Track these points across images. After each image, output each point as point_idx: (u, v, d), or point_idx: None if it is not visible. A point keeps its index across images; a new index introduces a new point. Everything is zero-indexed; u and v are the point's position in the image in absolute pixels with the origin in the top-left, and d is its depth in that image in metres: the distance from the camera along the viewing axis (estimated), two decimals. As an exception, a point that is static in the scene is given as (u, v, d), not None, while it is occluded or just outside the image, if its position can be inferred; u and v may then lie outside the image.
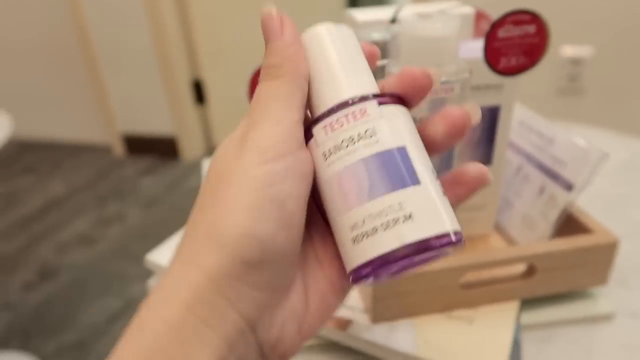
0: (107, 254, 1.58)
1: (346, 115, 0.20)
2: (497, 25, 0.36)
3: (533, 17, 0.37)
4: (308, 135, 0.22)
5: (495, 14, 0.38)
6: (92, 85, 2.12)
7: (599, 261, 0.40)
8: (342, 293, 0.23)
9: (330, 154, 0.20)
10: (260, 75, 0.22)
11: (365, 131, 0.20)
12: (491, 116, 0.41)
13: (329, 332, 0.39)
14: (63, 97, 2.24)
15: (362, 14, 0.42)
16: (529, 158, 0.45)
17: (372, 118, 0.20)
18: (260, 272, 0.19)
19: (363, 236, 0.19)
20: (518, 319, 0.39)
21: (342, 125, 0.20)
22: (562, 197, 0.41)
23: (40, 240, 1.68)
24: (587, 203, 0.47)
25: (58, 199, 1.91)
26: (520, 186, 0.45)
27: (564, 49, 1.49)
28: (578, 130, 0.76)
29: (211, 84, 2.04)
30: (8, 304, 1.39)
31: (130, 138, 2.18)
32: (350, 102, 0.21)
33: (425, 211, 0.19)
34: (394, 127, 0.20)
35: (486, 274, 0.40)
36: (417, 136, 0.21)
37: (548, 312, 0.41)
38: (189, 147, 2.10)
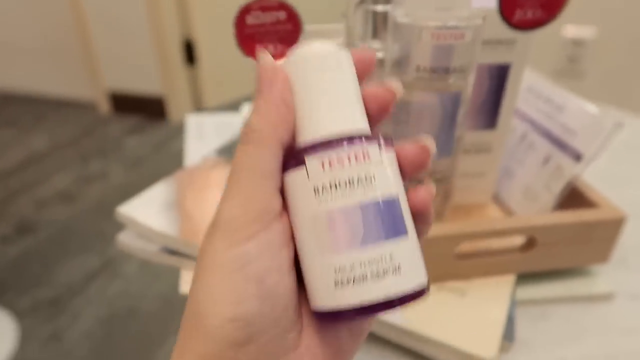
0: (87, 212, 1.54)
1: (348, 155, 0.19)
2: (515, -29, 0.33)
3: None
4: (293, 160, 0.20)
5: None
6: (79, 38, 2.03)
7: (603, 238, 0.38)
8: (359, 335, 0.22)
9: (324, 191, 0.19)
10: (240, 136, 0.20)
11: (366, 176, 0.19)
12: (499, 76, 0.38)
13: (311, 297, 0.36)
14: (49, 50, 2.16)
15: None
16: (535, 125, 0.42)
17: (374, 163, 0.20)
18: (254, 346, 0.18)
19: (349, 281, 0.19)
20: (513, 294, 0.37)
21: (342, 165, 0.19)
22: (569, 168, 0.38)
23: (19, 194, 1.63)
24: (589, 182, 0.44)
25: (39, 154, 1.86)
26: (524, 155, 0.42)
27: (566, 29, 1.45)
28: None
29: (203, 44, 1.97)
30: (-17, 257, 1.35)
31: (116, 96, 2.12)
32: (353, 141, 0.19)
33: (411, 264, 0.19)
34: (391, 175, 0.20)
35: (482, 244, 0.38)
36: (401, 180, 0.21)
37: (544, 288, 0.39)
38: (177, 108, 2.05)
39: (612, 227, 0.37)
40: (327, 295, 0.19)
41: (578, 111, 0.39)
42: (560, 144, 0.39)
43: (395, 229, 0.19)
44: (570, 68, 1.52)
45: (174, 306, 1.19)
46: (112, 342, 1.11)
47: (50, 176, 1.72)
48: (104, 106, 2.15)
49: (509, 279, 0.38)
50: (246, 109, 0.64)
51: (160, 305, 1.20)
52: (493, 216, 0.43)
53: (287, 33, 0.35)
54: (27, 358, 1.07)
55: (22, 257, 1.35)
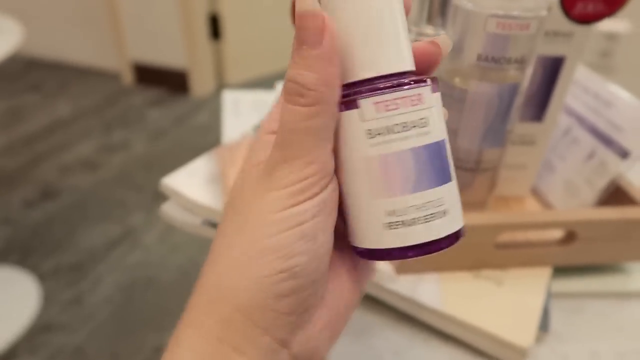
0: (109, 180, 1.56)
1: (403, 98, 0.19)
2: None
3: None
4: (344, 99, 0.19)
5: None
6: (106, 7, 2.04)
7: (643, 236, 0.38)
8: (359, 291, 0.23)
9: (378, 134, 0.19)
10: (287, 90, 0.19)
11: (420, 119, 0.19)
12: (553, 68, 0.37)
13: (351, 277, 0.37)
14: (75, 17, 2.16)
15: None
16: (581, 120, 0.42)
17: (427, 107, 0.19)
18: (293, 300, 0.19)
19: (400, 224, 0.19)
20: (549, 286, 0.37)
21: (397, 108, 0.19)
22: (614, 164, 0.38)
23: (44, 159, 1.66)
24: (629, 179, 0.44)
25: (63, 121, 1.88)
26: (567, 149, 0.42)
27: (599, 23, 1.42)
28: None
29: (229, 19, 1.96)
30: (8, 219, 1.39)
31: (140, 67, 2.12)
32: (408, 84, 0.19)
33: (454, 208, 0.20)
34: (441, 118, 0.20)
35: (521, 236, 0.38)
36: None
37: (581, 282, 0.39)
38: (200, 82, 2.05)
39: (654, 226, 0.37)
40: (376, 236, 0.20)
41: (627, 107, 0.39)
42: (606, 140, 0.39)
43: (443, 175, 0.20)
44: (603, 62, 1.49)
45: (191, 278, 1.22)
46: (131, 309, 1.13)
47: (74, 143, 1.74)
48: (128, 76, 2.16)
49: (545, 271, 0.38)
50: (280, 87, 0.65)
51: (178, 277, 1.22)
52: (532, 209, 0.44)
53: None
54: (49, 320, 1.10)
55: (46, 221, 1.38)
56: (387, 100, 0.19)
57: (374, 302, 0.37)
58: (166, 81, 2.11)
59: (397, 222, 0.19)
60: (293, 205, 0.19)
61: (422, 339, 0.36)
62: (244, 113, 0.61)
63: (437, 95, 0.20)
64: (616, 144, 0.38)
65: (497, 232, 0.36)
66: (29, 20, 2.17)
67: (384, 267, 0.37)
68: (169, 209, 0.43)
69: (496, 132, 0.33)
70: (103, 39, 2.16)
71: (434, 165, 0.19)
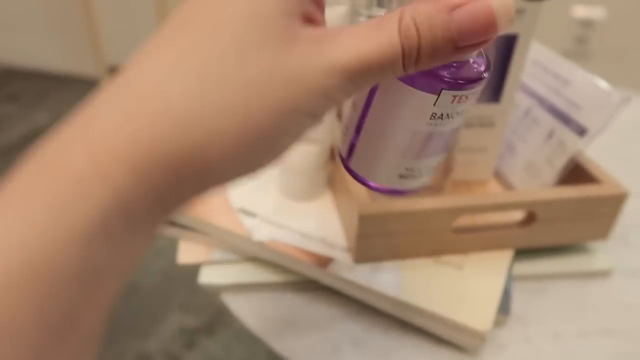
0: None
1: (473, 94, 0.21)
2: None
3: None
4: (425, 81, 0.20)
5: None
6: (82, 14, 2.01)
7: (604, 214, 0.37)
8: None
9: (439, 118, 0.21)
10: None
11: (466, 110, 0.22)
12: (506, 47, 0.37)
13: (307, 268, 0.36)
14: (50, 25, 2.14)
15: None
16: (540, 100, 0.41)
17: (472, 102, 0.21)
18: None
19: (409, 176, 0.24)
20: (511, 268, 0.37)
21: (465, 101, 0.21)
22: (573, 143, 0.37)
23: (22, 169, 1.63)
24: (595, 160, 0.43)
25: (42, 130, 1.85)
26: (527, 130, 0.42)
27: (574, 9, 1.43)
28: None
29: (206, 20, 1.95)
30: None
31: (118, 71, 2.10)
32: (480, 83, 0.21)
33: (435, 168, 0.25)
34: None
35: (481, 219, 0.37)
36: None
37: (542, 263, 0.38)
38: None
39: (614, 203, 0.37)
40: (391, 180, 0.24)
41: (585, 85, 0.38)
42: (565, 119, 0.39)
43: (448, 146, 0.24)
44: (579, 49, 1.49)
45: (175, 282, 1.20)
46: (113, 316, 1.12)
47: (53, 152, 1.72)
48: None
49: (507, 254, 0.37)
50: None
51: (160, 280, 1.21)
52: (494, 191, 0.43)
53: None
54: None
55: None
56: (461, 96, 0.20)
57: (333, 293, 0.36)
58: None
59: (409, 174, 0.24)
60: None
61: (382, 328, 0.35)
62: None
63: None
64: (574, 122, 0.38)
65: (454, 216, 0.35)
66: (4, 29, 2.14)
67: (342, 257, 0.36)
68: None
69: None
70: (80, 45, 2.14)
71: (448, 142, 0.23)
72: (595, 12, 1.43)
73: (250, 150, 0.17)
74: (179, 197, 0.17)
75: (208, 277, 0.38)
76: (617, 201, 0.37)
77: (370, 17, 0.37)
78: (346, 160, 0.25)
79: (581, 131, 0.37)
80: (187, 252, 0.39)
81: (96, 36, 2.03)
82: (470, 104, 0.21)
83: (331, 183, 0.43)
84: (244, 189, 0.43)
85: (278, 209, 0.41)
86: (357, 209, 0.34)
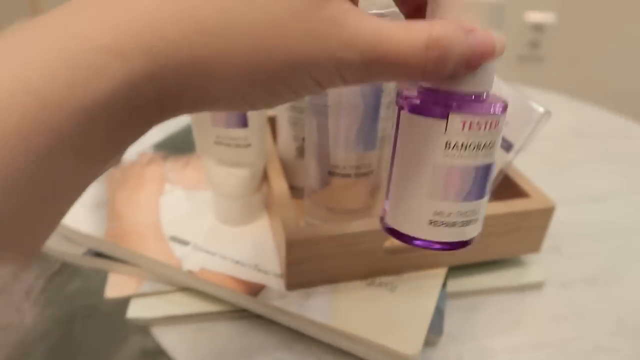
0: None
1: (486, 122, 0.21)
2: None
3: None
4: (434, 108, 0.21)
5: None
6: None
7: (533, 227, 0.38)
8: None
9: (454, 148, 0.21)
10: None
11: (490, 142, 0.21)
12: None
13: (237, 297, 0.35)
14: None
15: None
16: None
17: (498, 132, 0.22)
18: None
19: (442, 224, 0.22)
20: (444, 286, 0.37)
21: (479, 129, 0.21)
22: (500, 157, 0.38)
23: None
24: (531, 167, 0.44)
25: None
26: (459, 145, 0.42)
27: (526, 15, 1.47)
28: (531, 93, 0.73)
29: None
30: None
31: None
32: (495, 109, 0.21)
33: (483, 216, 0.24)
34: (500, 141, 0.22)
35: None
36: None
37: (477, 279, 0.39)
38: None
39: (542, 216, 0.37)
40: (419, 228, 0.23)
41: (510, 100, 0.38)
42: (492, 134, 0.39)
43: (485, 190, 0.23)
44: (532, 53, 1.53)
45: None
46: (71, 343, 1.08)
47: None
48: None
49: (440, 272, 0.37)
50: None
51: (119, 302, 1.17)
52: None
53: None
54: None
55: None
56: (472, 122, 0.20)
57: (268, 321, 0.36)
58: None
59: (441, 221, 0.22)
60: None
61: (315, 356, 0.34)
62: (150, 131, 0.59)
63: (504, 118, 0.22)
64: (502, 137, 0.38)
65: (384, 238, 0.35)
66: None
67: (275, 283, 0.36)
68: (49, 242, 0.40)
69: (368, 134, 0.32)
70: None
71: (483, 182, 0.22)
72: (546, 17, 1.47)
73: (249, 83, 0.17)
74: (173, 107, 0.18)
75: (136, 310, 0.36)
76: (545, 214, 0.37)
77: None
78: (383, 217, 0.24)
79: (508, 146, 0.37)
80: (116, 286, 0.38)
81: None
82: (488, 135, 0.21)
83: (268, 206, 0.42)
84: (177, 215, 0.42)
85: (212, 235, 0.40)
86: (285, 234, 0.33)
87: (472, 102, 0.20)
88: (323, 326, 0.33)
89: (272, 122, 0.46)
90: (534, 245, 0.39)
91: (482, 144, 0.21)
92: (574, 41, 1.47)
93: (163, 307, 0.36)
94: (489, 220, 0.36)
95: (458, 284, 0.38)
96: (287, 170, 0.42)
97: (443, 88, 0.21)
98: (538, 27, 1.49)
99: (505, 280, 0.39)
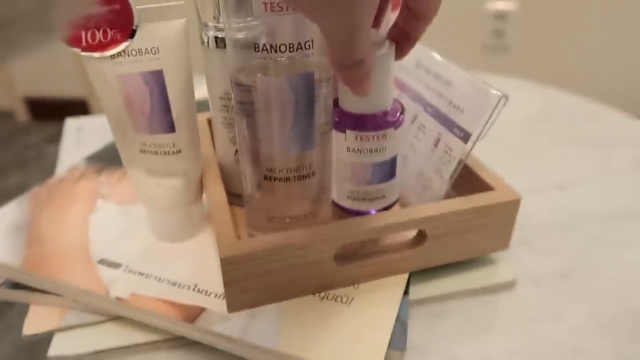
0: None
1: (374, 135, 0.30)
2: None
3: None
4: (337, 125, 0.31)
5: None
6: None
7: (499, 222, 0.34)
8: None
9: (353, 150, 0.31)
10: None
11: (381, 147, 0.31)
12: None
13: (172, 324, 0.31)
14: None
15: None
16: (425, 105, 0.38)
17: (389, 139, 0.31)
18: None
19: (355, 198, 0.33)
20: (406, 294, 0.33)
21: (368, 140, 0.30)
22: (458, 149, 0.34)
23: None
24: (494, 155, 0.41)
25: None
26: (415, 138, 0.39)
27: (489, 3, 1.45)
28: (495, 81, 0.70)
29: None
30: None
31: (35, 102, 1.97)
32: (381, 127, 0.30)
33: (393, 192, 0.34)
34: (397, 142, 0.32)
35: (367, 243, 0.34)
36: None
37: (443, 282, 0.35)
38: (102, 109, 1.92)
39: (508, 210, 0.34)
40: (343, 199, 0.34)
41: (463, 84, 0.35)
42: (448, 123, 0.35)
43: (389, 175, 0.33)
44: (497, 42, 1.52)
45: (32, 355, 1.10)
46: (34, 371, 1.01)
47: (-39, 195, 1.57)
48: (22, 114, 1.99)
49: (401, 279, 0.34)
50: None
51: (41, 339, 1.11)
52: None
53: (116, 16, 0.30)
54: None
55: None
56: (365, 135, 0.30)
57: (207, 349, 0.32)
58: (65, 113, 1.95)
59: (353, 197, 0.33)
60: None
61: (264, 384, 0.30)
62: (86, 142, 0.54)
63: (400, 129, 0.31)
64: (457, 126, 0.35)
65: (332, 246, 0.31)
66: None
67: (216, 305, 0.32)
68: (-42, 275, 0.36)
69: (303, 132, 0.28)
70: (-13, 77, 1.98)
71: (383, 171, 0.32)
72: (508, 5, 1.46)
73: None
74: None
75: (60, 347, 0.32)
76: (511, 208, 0.34)
77: (218, 28, 0.33)
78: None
79: (465, 136, 0.34)
80: (35, 319, 0.33)
81: (4, 68, 1.89)
82: (377, 143, 0.30)
83: (209, 218, 0.38)
84: (109, 234, 0.37)
85: (146, 255, 0.36)
86: (219, 250, 0.29)
87: (364, 121, 0.30)
88: (270, 351, 0.29)
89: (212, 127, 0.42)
90: (502, 241, 0.36)
91: (374, 149, 0.31)
92: (538, 28, 1.46)
93: (91, 340, 0.32)
94: (450, 217, 0.33)
95: (421, 290, 0.34)
96: (228, 176, 0.38)
97: (344, 108, 0.31)
98: (501, 15, 1.48)
99: (473, 281, 0.35)
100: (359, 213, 0.33)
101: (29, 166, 1.72)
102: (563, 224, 0.42)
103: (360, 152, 0.30)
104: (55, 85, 1.92)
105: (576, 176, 0.49)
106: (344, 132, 0.30)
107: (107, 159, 0.47)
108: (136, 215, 0.39)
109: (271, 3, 0.24)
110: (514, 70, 1.53)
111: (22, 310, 0.35)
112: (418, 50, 0.40)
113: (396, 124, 0.31)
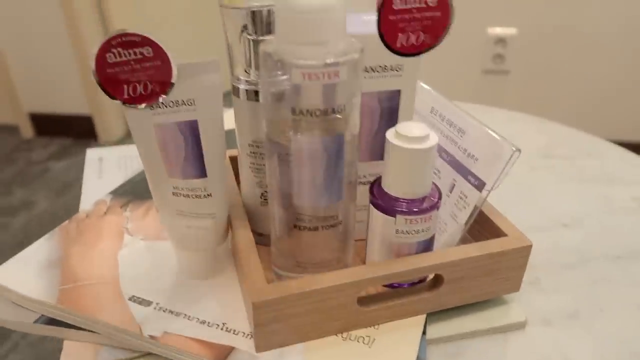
0: (11, 246, 1.43)
1: (422, 218, 0.34)
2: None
3: (435, -13, 0.31)
4: (387, 208, 0.34)
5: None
6: (-9, 59, 1.89)
7: (511, 267, 0.36)
8: None
9: (402, 233, 0.34)
10: None
11: (426, 227, 0.35)
12: (390, 102, 0.35)
13: (204, 365, 0.33)
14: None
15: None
16: (440, 151, 0.40)
17: (433, 220, 0.35)
18: None
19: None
20: (424, 334, 0.35)
21: (417, 222, 0.34)
22: (473, 197, 0.36)
23: None
24: (502, 192, 0.43)
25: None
26: (430, 182, 0.41)
27: (489, 30, 1.49)
28: (498, 115, 0.73)
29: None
30: None
31: (40, 118, 1.99)
32: (428, 210, 0.34)
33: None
34: (436, 222, 0.36)
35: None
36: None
37: (457, 323, 0.37)
38: (107, 126, 1.94)
39: (519, 256, 0.36)
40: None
41: (477, 135, 0.37)
42: (463, 171, 0.38)
43: (429, 248, 0.36)
44: (497, 67, 1.56)
45: None
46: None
47: (-33, 210, 1.58)
48: (28, 130, 2.01)
49: (419, 320, 0.35)
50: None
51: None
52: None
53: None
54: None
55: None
56: (414, 218, 0.33)
57: (238, 386, 0.33)
58: (70, 129, 1.99)
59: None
60: None
61: (290, 422, 0.32)
62: (108, 174, 0.56)
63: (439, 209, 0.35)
64: (472, 174, 0.37)
65: (356, 290, 0.33)
66: None
67: (244, 344, 0.33)
68: (-4, 310, 0.37)
69: (332, 185, 0.30)
70: (-6, 92, 2.01)
71: (425, 246, 0.35)
72: (507, 32, 1.50)
73: None
74: None
75: (95, 383, 0.33)
76: (523, 253, 0.36)
77: (249, 82, 0.35)
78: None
79: (480, 184, 0.36)
80: (69, 356, 0.35)
81: (9, 84, 1.91)
82: (424, 224, 0.33)
83: (234, 254, 0.40)
84: (138, 271, 0.39)
85: (175, 292, 0.38)
86: (251, 296, 0.31)
87: (413, 205, 0.33)
88: (297, 391, 0.31)
89: (235, 165, 0.44)
90: (514, 284, 0.37)
91: (420, 230, 0.33)
92: (536, 53, 1.50)
93: (123, 377, 0.34)
94: (466, 263, 0.35)
95: (438, 329, 0.36)
96: (253, 216, 0.40)
97: (392, 194, 0.33)
98: (501, 41, 1.51)
99: (487, 322, 0.37)
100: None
101: (34, 182, 1.73)
102: (570, 262, 0.44)
103: (409, 233, 0.33)
104: (60, 102, 1.94)
105: (580, 214, 0.51)
106: (394, 217, 0.32)
107: (131, 193, 0.49)
108: (163, 252, 0.41)
109: (309, 73, 0.26)
110: (513, 92, 1.57)
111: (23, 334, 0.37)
112: (432, 96, 0.42)
113: (438, 206, 0.33)
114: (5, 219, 1.54)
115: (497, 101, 1.58)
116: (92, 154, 0.60)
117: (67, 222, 0.45)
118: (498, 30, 1.50)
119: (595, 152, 0.63)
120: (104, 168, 0.57)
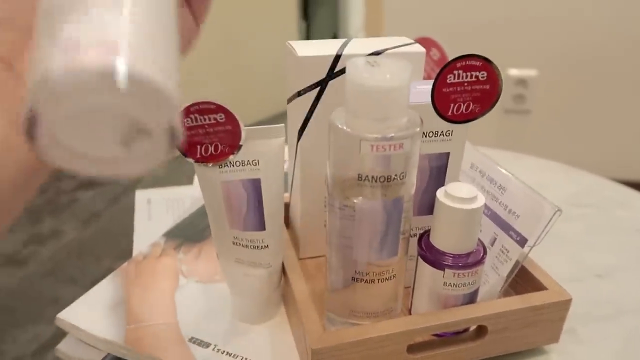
0: (40, 275, 1.46)
1: (469, 272, 0.36)
2: (446, 70, 0.34)
3: (484, 63, 0.34)
4: (435, 261, 0.37)
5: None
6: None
7: (551, 319, 0.38)
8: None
9: (449, 285, 0.37)
10: None
11: (472, 281, 0.37)
12: (439, 163, 0.38)
13: (263, 407, 0.35)
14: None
15: (303, 47, 0.38)
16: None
17: (479, 274, 0.38)
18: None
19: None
20: (468, 384, 0.37)
21: (465, 276, 0.37)
22: (515, 250, 0.39)
23: (-36, 260, 1.54)
24: (534, 261, 0.45)
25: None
26: (471, 234, 0.43)
27: (510, 71, 1.53)
28: (526, 162, 0.75)
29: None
30: None
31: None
32: (475, 265, 0.37)
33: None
34: (481, 275, 0.39)
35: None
36: None
37: (499, 373, 0.39)
38: (134, 159, 2.00)
39: (559, 309, 0.38)
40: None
41: (518, 193, 0.40)
42: (505, 226, 0.40)
43: (474, 300, 0.38)
44: (517, 107, 1.59)
45: None
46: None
47: (-1, 238, 1.63)
48: (57, 160, 2.08)
49: (463, 368, 0.37)
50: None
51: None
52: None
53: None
54: None
55: (-33, 330, 1.27)
56: (462, 272, 0.36)
57: None
58: (98, 160, 2.04)
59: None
60: None
61: None
62: (156, 215, 0.59)
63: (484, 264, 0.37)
64: (514, 230, 0.39)
65: (407, 339, 0.35)
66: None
67: (299, 388, 0.35)
68: (65, 347, 0.40)
69: (389, 242, 0.33)
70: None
71: (470, 298, 0.37)
72: (527, 73, 1.54)
73: None
74: None
75: (159, 422, 0.36)
76: (562, 307, 0.38)
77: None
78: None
79: (522, 240, 0.38)
80: (136, 395, 0.37)
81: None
82: (471, 277, 0.36)
83: (285, 299, 0.42)
84: (195, 313, 0.42)
85: (231, 334, 0.40)
86: (309, 343, 0.33)
87: (460, 260, 0.35)
88: None
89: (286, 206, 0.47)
90: (553, 335, 0.39)
91: (468, 283, 0.36)
92: (556, 94, 1.53)
93: (185, 416, 0.36)
94: (509, 315, 0.37)
95: (481, 378, 0.38)
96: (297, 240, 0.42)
97: (441, 249, 0.36)
98: (521, 82, 1.55)
99: (527, 372, 0.39)
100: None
101: (63, 212, 1.78)
102: (605, 313, 0.46)
103: (457, 286, 0.35)
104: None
105: (614, 265, 0.52)
106: (443, 270, 0.35)
107: (183, 235, 0.52)
108: (217, 295, 0.44)
109: (377, 146, 0.29)
110: (535, 131, 1.59)
111: None
112: (472, 153, 0.45)
113: (484, 261, 0.36)
114: (34, 247, 1.59)
115: (519, 139, 1.61)
116: (141, 196, 0.64)
117: (126, 263, 0.48)
118: (518, 72, 1.54)
119: (625, 201, 0.65)
120: (153, 209, 0.61)
